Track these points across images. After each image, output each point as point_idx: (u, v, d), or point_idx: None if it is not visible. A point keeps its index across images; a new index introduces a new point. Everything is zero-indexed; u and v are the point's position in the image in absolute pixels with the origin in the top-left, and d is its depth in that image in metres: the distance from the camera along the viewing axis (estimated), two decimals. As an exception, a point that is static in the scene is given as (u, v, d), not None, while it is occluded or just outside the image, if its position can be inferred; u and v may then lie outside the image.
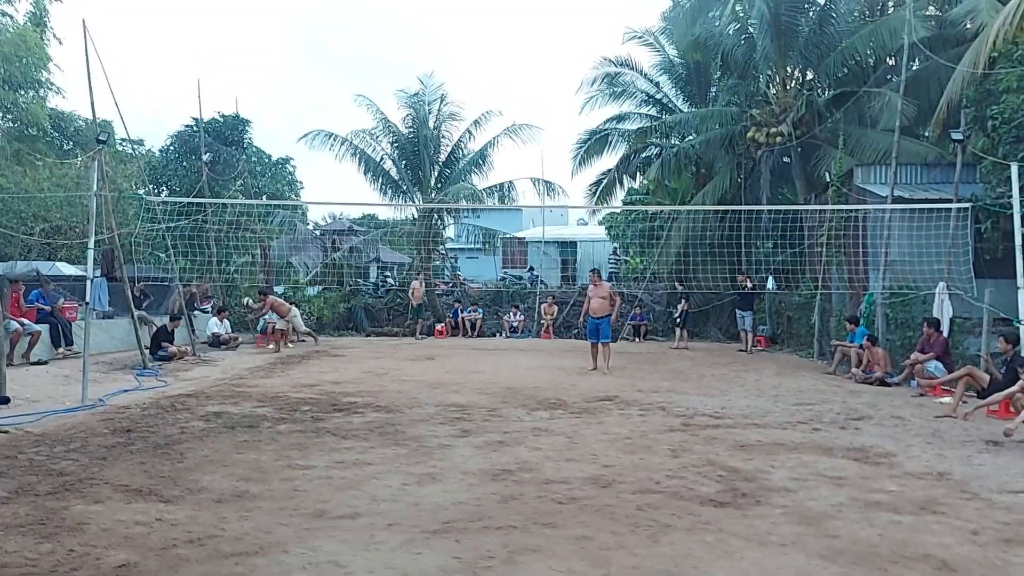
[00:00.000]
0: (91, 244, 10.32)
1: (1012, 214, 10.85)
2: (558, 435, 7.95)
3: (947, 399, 9.92)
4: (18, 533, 4.71)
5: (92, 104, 12.78)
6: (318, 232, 29.64)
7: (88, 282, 10.43)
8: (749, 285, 18.16)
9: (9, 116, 26.83)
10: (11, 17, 26.52)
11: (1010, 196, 11.04)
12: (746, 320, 18.01)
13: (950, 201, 13.24)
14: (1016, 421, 7.69)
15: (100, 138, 12.26)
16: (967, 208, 13.02)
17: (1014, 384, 8.49)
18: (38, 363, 12.61)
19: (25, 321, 12.74)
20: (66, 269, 18.84)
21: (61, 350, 13.64)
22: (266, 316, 17.70)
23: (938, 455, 7.23)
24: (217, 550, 4.48)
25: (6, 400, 9.23)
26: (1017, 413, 8.08)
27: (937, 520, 5.23)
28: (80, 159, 21.16)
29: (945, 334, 12.05)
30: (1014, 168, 10.81)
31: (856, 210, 15.50)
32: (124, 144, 25.66)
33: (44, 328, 13.27)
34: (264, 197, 26.04)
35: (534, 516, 5.21)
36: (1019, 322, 10.06)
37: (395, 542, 4.71)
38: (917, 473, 6.52)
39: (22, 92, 26.51)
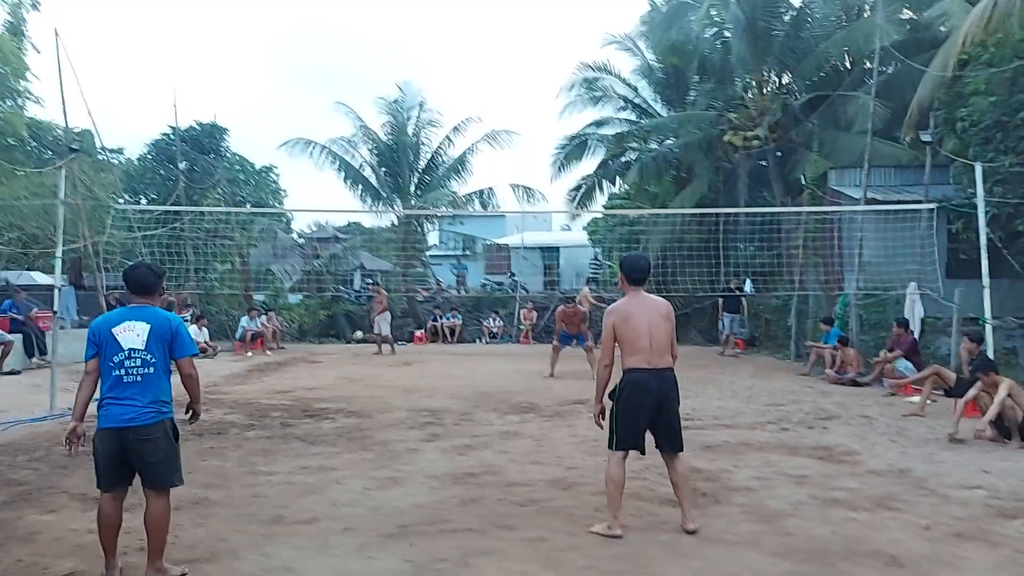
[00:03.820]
0: (59, 253, 10.25)
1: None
2: (527, 438, 7.95)
3: (916, 398, 9.98)
4: (-33, 543, 4.67)
5: (64, 112, 12.72)
6: (302, 240, 29.55)
7: (56, 291, 10.35)
8: (733, 286, 18.27)
9: (-14, 125, 26.58)
10: (-13, 27, 26.31)
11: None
12: (734, 322, 18.03)
13: (920, 203, 13.35)
14: (983, 421, 7.74)
15: (72, 146, 12.22)
16: (937, 209, 13.13)
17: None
18: (11, 373, 12.51)
19: (-3, 331, 12.64)
20: (40, 278, 18.68)
21: (35, 360, 13.53)
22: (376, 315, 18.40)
23: (901, 453, 7.29)
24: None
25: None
26: (983, 412, 8.13)
27: (892, 516, 5.27)
28: (50, 167, 21.02)
29: (916, 334, 12.14)
30: (978, 169, 10.92)
31: (829, 212, 15.61)
32: (103, 153, 25.54)
33: (17, 338, 13.16)
34: (248, 206, 25.96)
35: (492, 519, 5.21)
36: (984, 321, 10.15)
37: (349, 546, 4.70)
38: (878, 471, 6.57)
39: (-1, 101, 26.29)
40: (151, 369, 4.14)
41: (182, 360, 4.27)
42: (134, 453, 4.14)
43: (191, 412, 4.53)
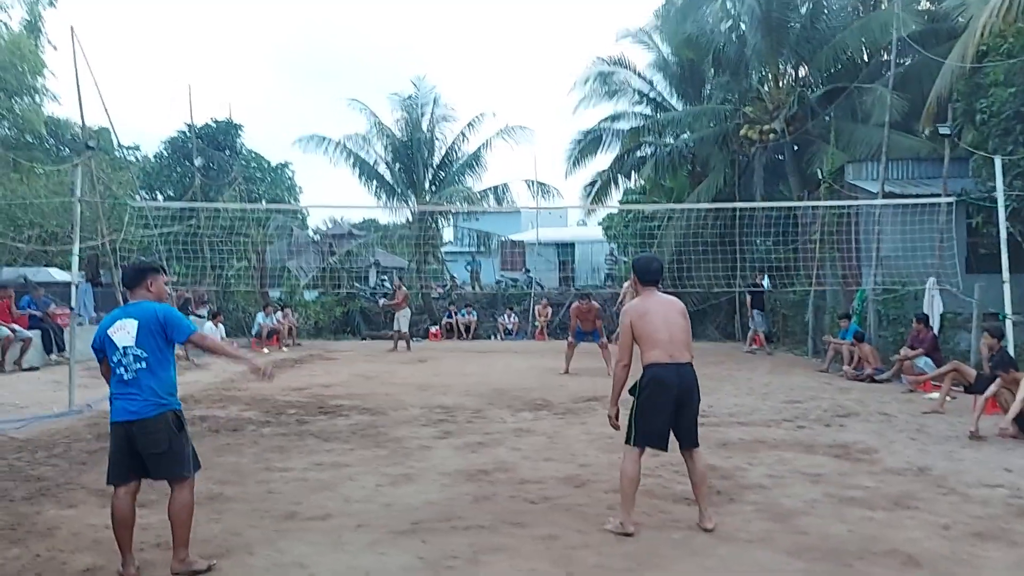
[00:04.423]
0: (75, 250, 10.34)
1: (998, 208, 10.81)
2: (540, 435, 7.94)
3: (936, 394, 9.88)
4: (-13, 538, 4.72)
5: (81, 109, 12.86)
6: (317, 237, 29.66)
7: (73, 288, 10.44)
8: (758, 282, 18.17)
9: (5, 123, 26.86)
10: (5, 24, 26.56)
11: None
12: (763, 318, 17.90)
13: (939, 196, 13.19)
14: (1006, 419, 7.64)
15: (89, 144, 12.32)
16: (956, 203, 12.98)
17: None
18: (30, 369, 12.64)
19: (16, 327, 12.77)
20: (58, 275, 18.87)
21: (53, 356, 13.66)
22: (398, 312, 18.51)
23: (921, 450, 7.21)
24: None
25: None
26: (1004, 409, 8.03)
27: (910, 515, 5.21)
28: (67, 164, 21.23)
29: (935, 330, 12.01)
30: (998, 162, 10.78)
31: (846, 206, 15.46)
32: (120, 150, 25.73)
33: (36, 334, 13.29)
34: (263, 202, 26.05)
35: (504, 516, 5.20)
36: (1004, 316, 10.02)
37: (362, 543, 4.71)
38: (897, 469, 6.49)
39: (17, 99, 26.53)
40: (144, 363, 4.29)
41: (188, 340, 4.41)
42: (140, 446, 4.28)
43: (256, 372, 4.61)
